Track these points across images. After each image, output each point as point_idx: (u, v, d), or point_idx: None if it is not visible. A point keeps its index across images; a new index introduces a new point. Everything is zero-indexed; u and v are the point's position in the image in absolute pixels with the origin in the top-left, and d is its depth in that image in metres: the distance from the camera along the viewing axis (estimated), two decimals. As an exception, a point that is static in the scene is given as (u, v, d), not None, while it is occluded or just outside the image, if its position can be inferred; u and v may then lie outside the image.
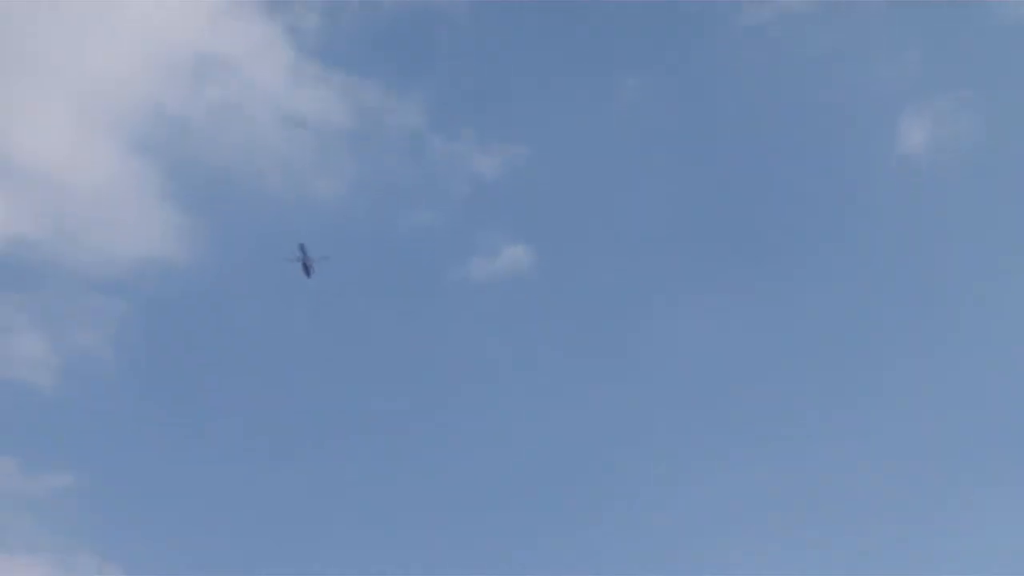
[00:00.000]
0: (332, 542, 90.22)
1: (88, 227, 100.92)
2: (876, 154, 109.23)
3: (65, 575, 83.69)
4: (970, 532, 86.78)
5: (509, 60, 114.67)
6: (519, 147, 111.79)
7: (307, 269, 47.57)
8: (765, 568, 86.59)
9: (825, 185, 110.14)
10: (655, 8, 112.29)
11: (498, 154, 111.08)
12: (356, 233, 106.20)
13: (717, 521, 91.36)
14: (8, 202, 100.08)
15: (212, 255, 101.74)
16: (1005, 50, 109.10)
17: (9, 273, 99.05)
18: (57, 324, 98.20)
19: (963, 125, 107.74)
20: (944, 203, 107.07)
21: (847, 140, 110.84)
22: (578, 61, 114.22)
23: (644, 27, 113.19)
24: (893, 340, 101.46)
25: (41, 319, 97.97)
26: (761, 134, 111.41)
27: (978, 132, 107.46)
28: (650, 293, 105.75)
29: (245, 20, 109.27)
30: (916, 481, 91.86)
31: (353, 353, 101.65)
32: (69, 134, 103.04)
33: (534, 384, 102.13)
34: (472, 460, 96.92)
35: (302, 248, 45.19)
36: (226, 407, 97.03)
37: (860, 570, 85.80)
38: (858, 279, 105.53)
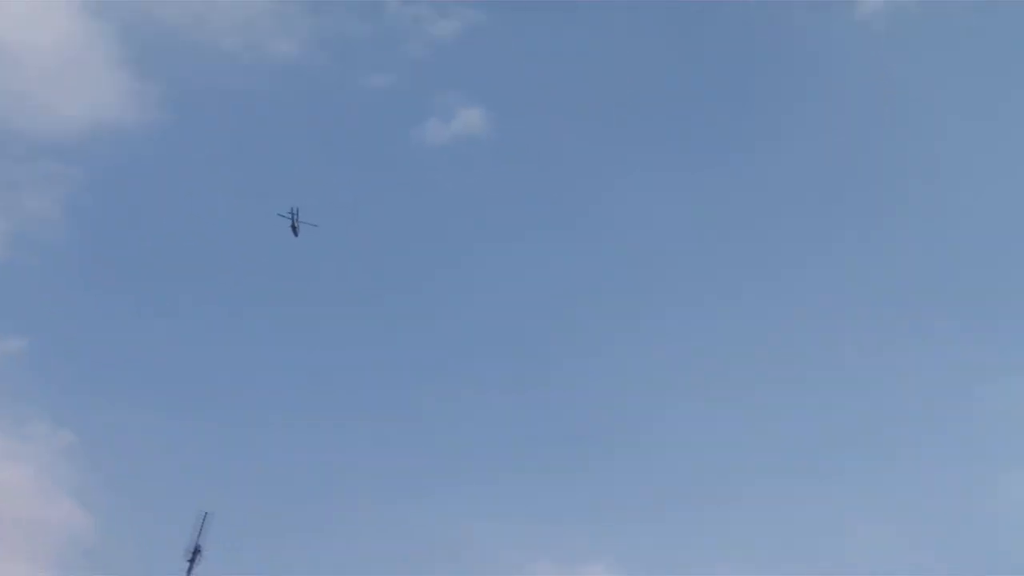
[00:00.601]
0: (294, 396, 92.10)
1: (39, 90, 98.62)
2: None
3: (17, 440, 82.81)
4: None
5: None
6: (477, 11, 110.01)
7: (295, 229, 50.18)
8: (717, 410, 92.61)
9: (785, 48, 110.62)
10: None
11: (456, 17, 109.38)
12: (312, 94, 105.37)
13: (672, 368, 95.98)
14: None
15: (166, 118, 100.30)
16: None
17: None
18: (7, 189, 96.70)
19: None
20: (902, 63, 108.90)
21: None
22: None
23: None
24: (850, 201, 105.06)
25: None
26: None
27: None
28: (606, 155, 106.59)
29: None
30: (877, 328, 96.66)
31: (308, 214, 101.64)
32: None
33: (488, 245, 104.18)
34: (426, 322, 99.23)
35: (294, 211, 48.51)
36: (179, 272, 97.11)
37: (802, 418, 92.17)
38: (817, 143, 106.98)
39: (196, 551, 36.02)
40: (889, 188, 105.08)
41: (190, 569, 36.02)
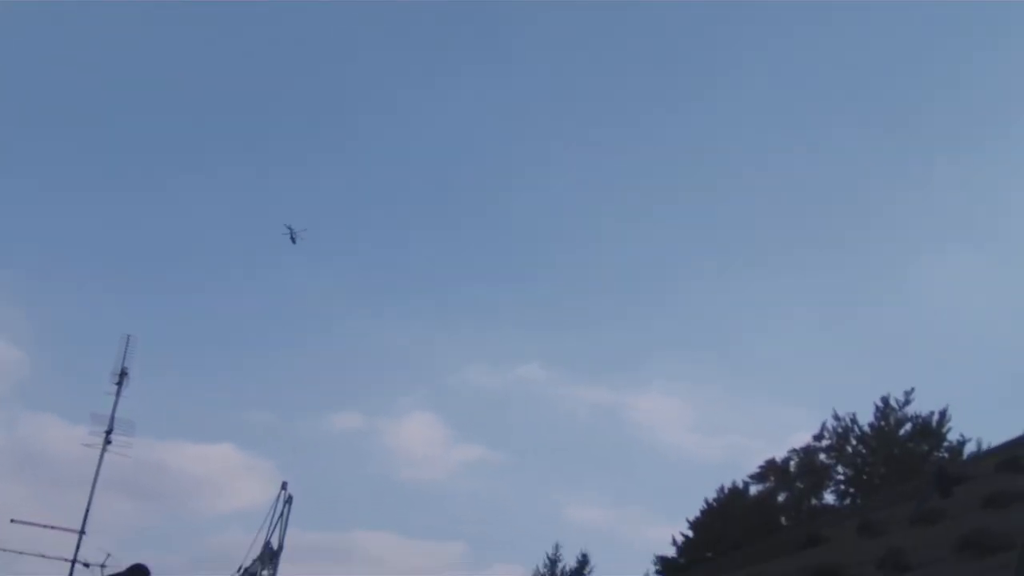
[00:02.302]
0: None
1: None
2: None
3: None
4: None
5: None
6: None
7: (293, 239, 53.10)
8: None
9: None
10: None
11: None
12: None
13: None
14: None
15: None
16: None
17: None
18: None
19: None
20: None
21: None
22: None
23: None
24: None
25: None
26: None
27: None
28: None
29: None
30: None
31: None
32: None
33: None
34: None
35: (290, 227, 51.67)
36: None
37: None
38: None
39: (123, 373, 33.89)
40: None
41: (118, 391, 33.86)
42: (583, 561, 50.71)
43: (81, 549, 32.10)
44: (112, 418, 35.77)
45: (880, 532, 5.69)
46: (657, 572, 45.02)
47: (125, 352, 37.94)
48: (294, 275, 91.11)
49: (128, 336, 38.16)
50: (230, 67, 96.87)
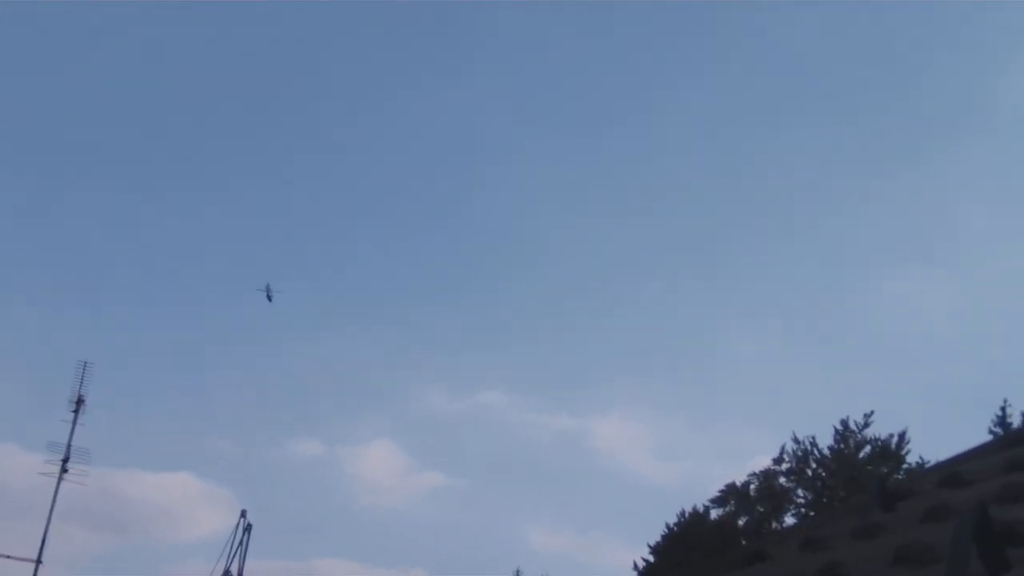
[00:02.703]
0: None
1: None
2: None
3: None
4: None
5: None
6: None
7: (269, 298, 54.63)
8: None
9: None
10: None
11: None
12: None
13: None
14: None
15: None
16: None
17: None
18: None
19: None
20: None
21: None
22: None
23: None
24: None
25: None
26: None
27: None
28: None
29: None
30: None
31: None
32: None
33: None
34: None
35: (267, 287, 53.30)
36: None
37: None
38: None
39: (79, 401, 33.77)
40: None
41: (75, 419, 33.76)
42: (544, 587, 50.58)
43: (39, 580, 31.77)
44: (68, 446, 35.49)
45: (822, 547, 5.72)
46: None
47: (82, 379, 37.77)
48: (252, 301, 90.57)
49: (84, 362, 37.94)
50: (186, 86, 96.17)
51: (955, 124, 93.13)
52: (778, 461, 45.08)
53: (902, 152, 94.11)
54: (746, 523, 44.73)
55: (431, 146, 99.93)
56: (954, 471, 6.73)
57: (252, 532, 46.02)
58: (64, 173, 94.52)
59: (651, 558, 44.94)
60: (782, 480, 44.92)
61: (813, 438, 44.62)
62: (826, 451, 44.25)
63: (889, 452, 43.19)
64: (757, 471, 45.55)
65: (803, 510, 43.85)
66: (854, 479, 42.31)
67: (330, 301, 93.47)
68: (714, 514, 45.54)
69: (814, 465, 44.46)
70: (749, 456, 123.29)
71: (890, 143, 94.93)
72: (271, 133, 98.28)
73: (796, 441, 44.96)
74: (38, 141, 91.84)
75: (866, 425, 44.13)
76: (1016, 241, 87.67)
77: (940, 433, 57.63)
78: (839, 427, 44.34)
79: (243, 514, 46.60)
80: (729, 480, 46.28)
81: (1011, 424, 37.84)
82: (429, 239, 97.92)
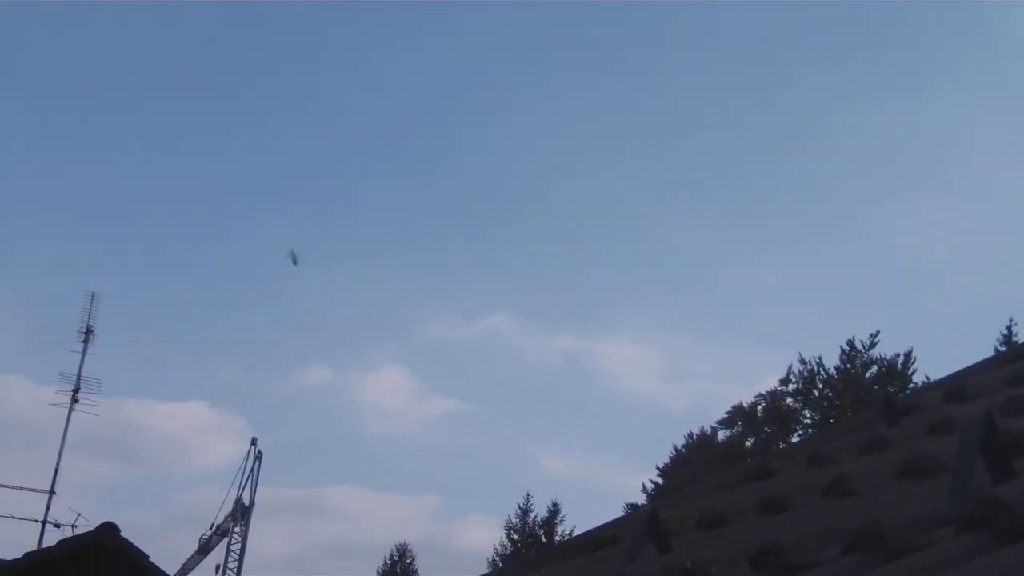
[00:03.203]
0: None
1: None
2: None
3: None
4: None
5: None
6: None
7: (295, 261, 55.24)
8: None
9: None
10: None
11: None
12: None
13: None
14: None
15: None
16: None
17: None
18: None
19: None
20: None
21: None
22: None
23: None
24: None
25: None
26: None
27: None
28: None
29: None
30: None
31: None
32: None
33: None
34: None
35: (292, 253, 53.85)
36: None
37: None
38: None
39: (88, 331, 33.82)
40: None
41: (84, 349, 33.86)
42: (554, 510, 51.13)
43: (51, 510, 32.12)
44: (79, 376, 35.71)
45: (829, 462, 5.78)
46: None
47: (90, 309, 37.86)
48: (261, 231, 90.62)
49: (92, 293, 38.02)
50: (192, 27, 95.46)
51: (957, 52, 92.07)
52: (785, 382, 45.36)
53: (907, 80, 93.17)
54: (753, 444, 45.09)
55: (440, 84, 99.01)
56: (959, 385, 6.74)
57: (263, 460, 46.70)
58: (77, 111, 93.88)
59: (659, 480, 45.37)
60: (789, 401, 45.23)
61: (820, 359, 44.85)
62: (832, 371, 44.46)
63: (895, 371, 43.40)
64: (764, 392, 45.87)
65: (810, 430, 44.18)
66: (860, 399, 42.59)
67: (338, 230, 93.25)
68: (722, 435, 45.92)
69: (820, 385, 44.72)
70: (756, 378, 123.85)
71: (893, 72, 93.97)
72: (282, 72, 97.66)
73: (803, 362, 45.20)
74: (51, 82, 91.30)
75: (872, 345, 44.31)
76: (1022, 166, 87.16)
77: (947, 353, 57.58)
78: (845, 347, 44.52)
79: (253, 442, 47.12)
80: (736, 402, 46.60)
81: (1017, 342, 37.95)
82: (437, 170, 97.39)
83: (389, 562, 53.99)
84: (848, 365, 44.25)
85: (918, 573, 2.80)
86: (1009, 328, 39.27)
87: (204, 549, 44.02)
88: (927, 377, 42.25)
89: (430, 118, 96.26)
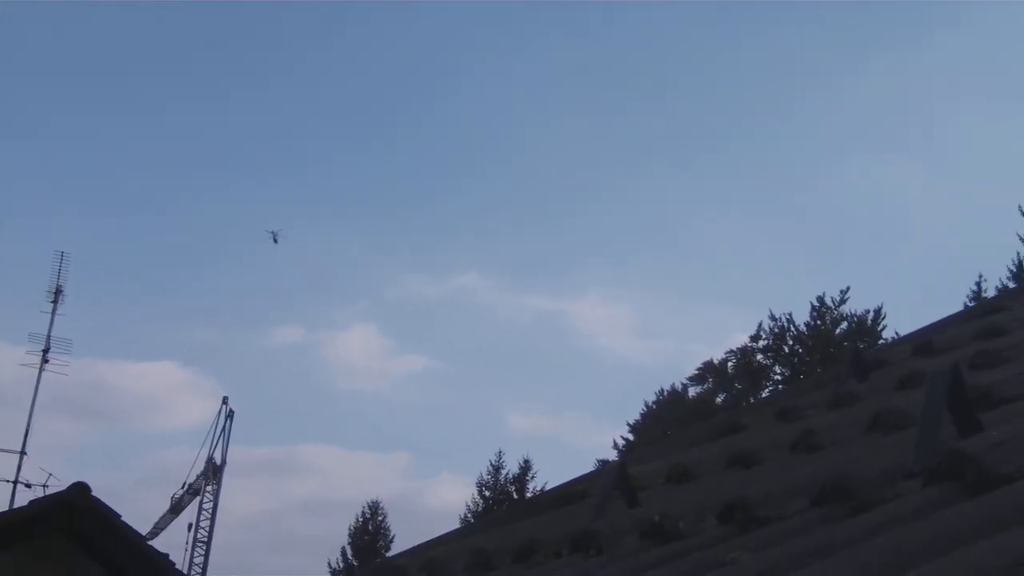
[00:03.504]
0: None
1: None
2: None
3: None
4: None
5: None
6: None
7: (275, 240, 55.50)
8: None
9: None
10: None
11: None
12: None
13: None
14: None
15: None
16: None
17: None
18: None
19: None
20: None
21: None
22: None
23: None
24: None
25: None
26: None
27: None
28: None
29: None
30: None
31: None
32: None
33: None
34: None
35: (274, 232, 54.03)
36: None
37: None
38: None
39: (58, 291, 33.55)
40: None
41: (54, 309, 33.61)
42: (525, 467, 51.38)
43: (22, 470, 32.02)
44: (48, 337, 35.54)
45: (797, 417, 5.80)
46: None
47: (59, 269, 37.67)
48: (233, 191, 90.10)
49: (62, 253, 37.78)
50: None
51: (921, 9, 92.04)
52: (755, 338, 45.61)
53: (878, 37, 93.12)
54: (724, 400, 45.38)
55: (408, 47, 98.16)
56: (927, 339, 6.77)
57: (235, 419, 46.67)
58: (49, 72, 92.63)
59: (631, 436, 45.64)
60: (759, 357, 45.48)
61: (790, 315, 45.09)
62: (803, 328, 44.72)
63: (865, 327, 43.69)
64: (735, 348, 46.11)
65: (780, 386, 44.48)
66: (831, 355, 42.89)
67: (308, 192, 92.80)
68: (692, 392, 46.20)
69: (791, 342, 44.99)
70: (727, 334, 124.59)
71: (867, 28, 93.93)
72: (252, 39, 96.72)
73: (773, 318, 45.43)
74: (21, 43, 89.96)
75: (842, 302, 44.59)
76: (993, 126, 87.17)
77: (916, 309, 58.17)
78: (815, 304, 44.76)
79: (224, 401, 47.11)
80: (707, 358, 46.85)
81: (986, 298, 38.25)
82: (406, 132, 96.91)
83: (361, 519, 54.14)
84: (818, 321, 44.52)
85: (885, 525, 2.80)
86: (979, 284, 39.53)
87: (176, 508, 44.10)
88: (896, 333, 42.60)
89: (400, 80, 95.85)
